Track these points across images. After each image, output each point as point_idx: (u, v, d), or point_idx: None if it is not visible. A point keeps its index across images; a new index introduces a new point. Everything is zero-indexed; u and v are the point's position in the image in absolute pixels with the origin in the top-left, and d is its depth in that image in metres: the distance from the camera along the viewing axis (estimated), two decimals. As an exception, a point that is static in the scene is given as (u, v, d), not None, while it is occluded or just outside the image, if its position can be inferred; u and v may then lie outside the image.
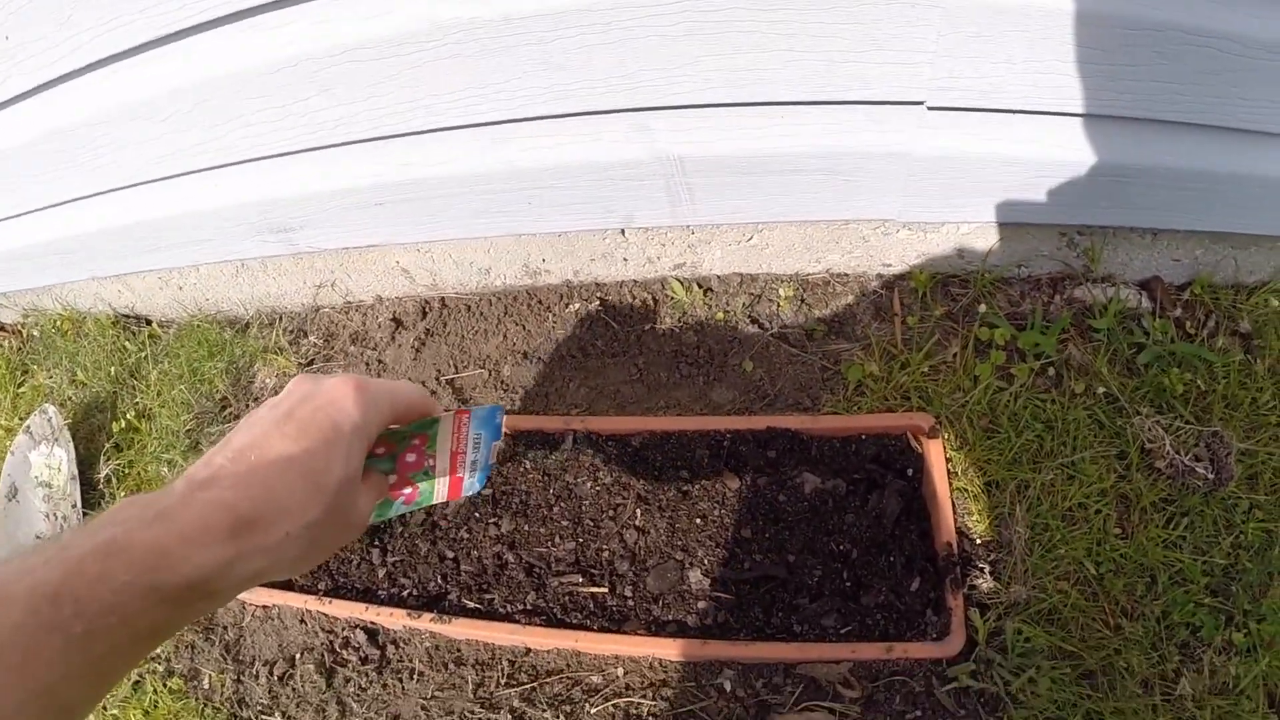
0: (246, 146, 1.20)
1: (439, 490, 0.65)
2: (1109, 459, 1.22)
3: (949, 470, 1.16)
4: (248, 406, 1.44)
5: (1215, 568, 1.23)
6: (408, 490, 0.63)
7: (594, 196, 1.16)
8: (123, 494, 1.47)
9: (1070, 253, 1.29)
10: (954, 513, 1.14)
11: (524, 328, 1.32)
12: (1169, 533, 1.21)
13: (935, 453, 1.15)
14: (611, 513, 1.20)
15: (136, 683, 1.41)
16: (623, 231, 1.23)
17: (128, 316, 1.60)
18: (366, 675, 1.25)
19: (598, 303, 1.30)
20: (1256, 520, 1.25)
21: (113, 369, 1.56)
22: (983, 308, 1.24)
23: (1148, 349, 1.29)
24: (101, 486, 1.50)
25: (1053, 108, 1.06)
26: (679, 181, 1.12)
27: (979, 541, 1.16)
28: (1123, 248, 1.30)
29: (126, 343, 1.57)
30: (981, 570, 1.13)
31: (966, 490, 1.17)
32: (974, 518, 1.16)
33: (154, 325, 1.57)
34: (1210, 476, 1.23)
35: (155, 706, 1.38)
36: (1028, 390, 1.22)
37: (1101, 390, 1.24)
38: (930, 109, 1.04)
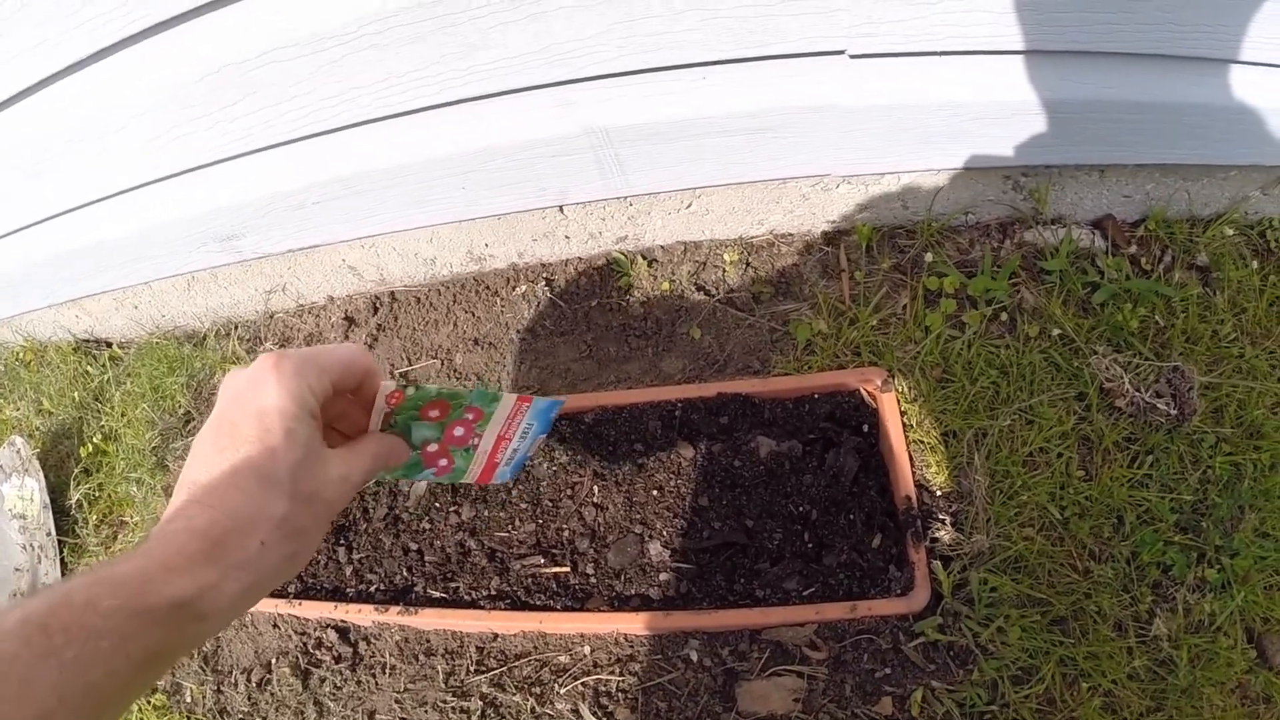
0: (183, 157, 1.19)
1: (472, 472, 0.64)
2: (1068, 401, 1.20)
3: (904, 423, 1.14)
4: (210, 416, 1.43)
5: (1183, 504, 1.20)
6: (443, 462, 0.62)
7: (526, 176, 1.15)
8: (94, 517, 1.47)
9: (1017, 196, 1.26)
10: (912, 466, 1.13)
11: (473, 314, 1.31)
12: (1134, 472, 1.19)
13: (889, 407, 1.13)
14: (569, 491, 1.18)
15: None
16: (560, 209, 1.21)
17: (88, 341, 1.59)
18: (341, 674, 1.25)
19: (544, 283, 1.29)
20: (1223, 454, 1.23)
21: (77, 394, 1.56)
22: (929, 257, 1.22)
23: (1103, 288, 1.27)
24: (74, 512, 1.50)
25: (981, 46, 1.04)
26: (607, 153, 1.10)
27: (939, 493, 1.14)
28: (1070, 187, 1.28)
29: (88, 367, 1.56)
30: (943, 522, 1.11)
31: (923, 442, 1.15)
32: (932, 469, 1.14)
33: (114, 347, 1.57)
34: (1172, 412, 1.20)
35: (141, 724, 1.37)
36: (981, 337, 1.20)
37: (1056, 332, 1.22)
38: (853, 57, 1.02)
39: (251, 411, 0.47)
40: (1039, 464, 1.16)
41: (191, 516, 0.45)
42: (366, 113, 1.10)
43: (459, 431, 0.59)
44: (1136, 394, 1.20)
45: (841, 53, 1.02)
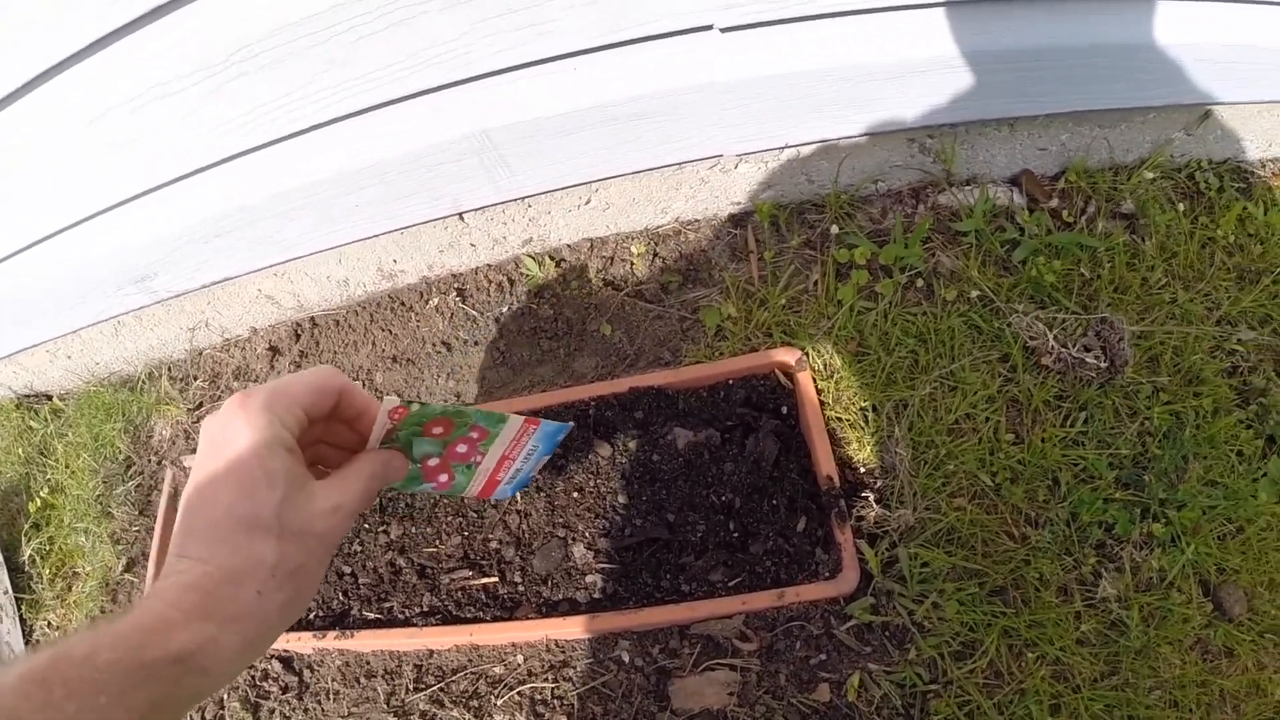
0: (87, 201, 1.18)
1: (472, 488, 0.63)
2: (991, 364, 1.16)
3: (822, 401, 1.11)
4: (150, 462, 1.43)
5: (1123, 459, 1.16)
6: (443, 478, 0.61)
7: (417, 186, 1.13)
8: (48, 571, 1.47)
9: (925, 159, 1.23)
10: (833, 444, 1.09)
11: (390, 332, 1.29)
12: (1067, 430, 1.15)
13: (805, 386, 1.10)
14: (492, 500, 1.16)
15: None
16: (460, 217, 1.19)
17: (29, 396, 1.59)
18: (288, 703, 1.23)
19: (455, 294, 1.27)
20: (1161, 404, 1.19)
21: (21, 450, 1.56)
22: (835, 229, 1.19)
23: (1023, 244, 1.23)
24: (28, 568, 1.49)
25: (858, 5, 1.01)
26: (491, 155, 1.08)
27: (863, 470, 1.11)
28: (981, 145, 1.24)
29: (31, 422, 1.56)
30: (867, 499, 1.07)
31: (844, 419, 1.12)
32: (854, 446, 1.11)
33: (55, 399, 1.57)
34: (1103, 365, 1.16)
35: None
36: (896, 306, 1.16)
37: (975, 294, 1.18)
38: (723, 31, 1.00)
39: (226, 456, 0.46)
40: (965, 431, 1.13)
41: (183, 571, 0.45)
42: (248, 141, 1.09)
43: (462, 449, 0.59)
44: (1063, 350, 1.16)
45: (710, 27, 0.99)
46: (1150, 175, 1.27)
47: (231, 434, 0.46)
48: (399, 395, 0.54)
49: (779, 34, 1.01)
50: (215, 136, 1.08)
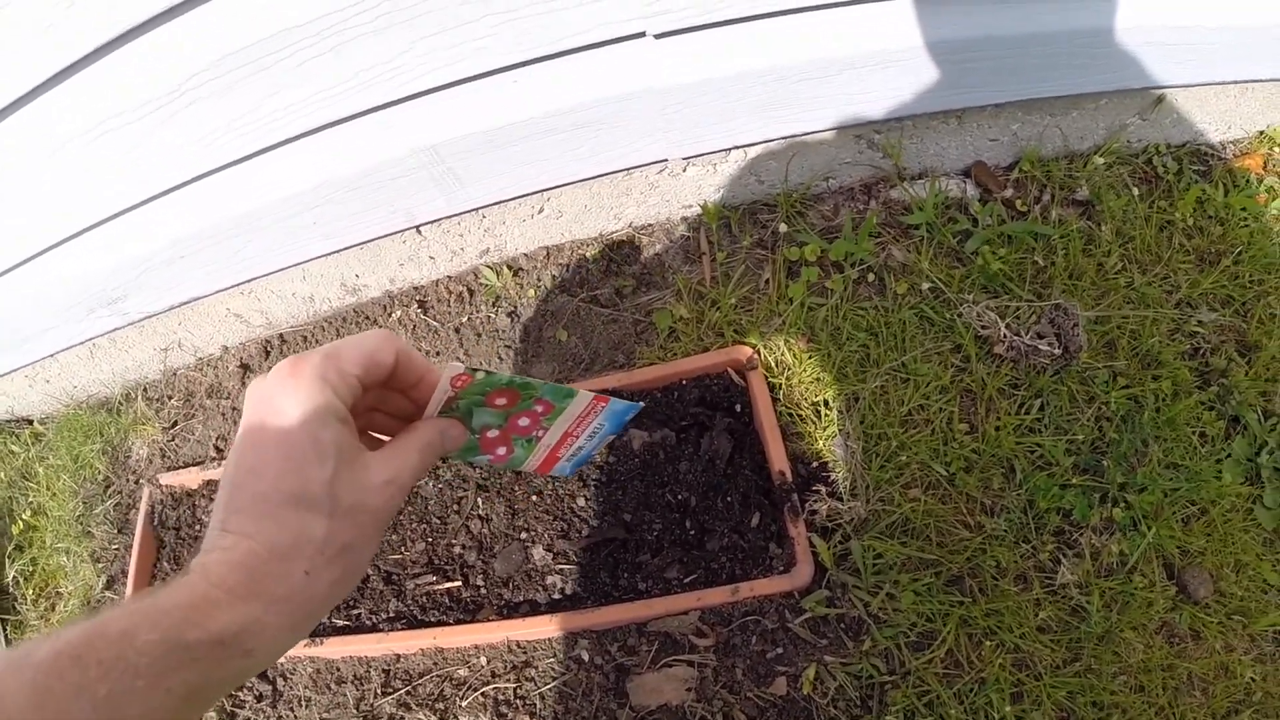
0: (52, 229, 1.23)
1: (530, 462, 0.61)
2: (944, 355, 1.17)
3: (774, 398, 1.13)
4: (128, 482, 1.46)
5: (1080, 445, 1.16)
6: (501, 450, 0.59)
7: (371, 202, 1.16)
8: (31, 592, 1.51)
9: (875, 154, 1.24)
10: (785, 440, 1.11)
11: (355, 345, 1.32)
12: (1022, 418, 1.16)
13: (757, 384, 1.12)
14: (455, 506, 1.19)
15: None
16: (418, 230, 1.22)
17: (10, 420, 1.64)
18: (263, 711, 1.26)
19: (417, 306, 1.30)
20: (1119, 388, 1.19)
21: (3, 474, 1.61)
22: (784, 227, 1.20)
23: (975, 235, 1.24)
24: (12, 589, 1.54)
25: (788, 5, 1.02)
26: (441, 169, 1.11)
27: (815, 464, 1.12)
28: (930, 138, 1.25)
29: (14, 446, 1.61)
30: (819, 493, 1.09)
31: (796, 414, 1.13)
32: (806, 441, 1.12)
33: (35, 424, 1.61)
34: (1056, 351, 1.17)
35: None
36: (847, 302, 1.18)
37: (926, 286, 1.19)
38: (656, 37, 1.02)
39: (274, 427, 0.43)
40: (918, 422, 1.14)
41: (228, 548, 0.42)
42: (205, 165, 1.12)
43: (524, 422, 0.56)
44: (1016, 338, 1.16)
45: (644, 34, 1.01)
46: (1103, 161, 1.27)
47: (281, 403, 0.43)
48: (463, 362, 0.50)
49: (710, 37, 1.03)
50: (171, 162, 1.11)
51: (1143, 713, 1.07)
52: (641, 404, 0.68)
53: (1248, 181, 1.37)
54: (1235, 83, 1.31)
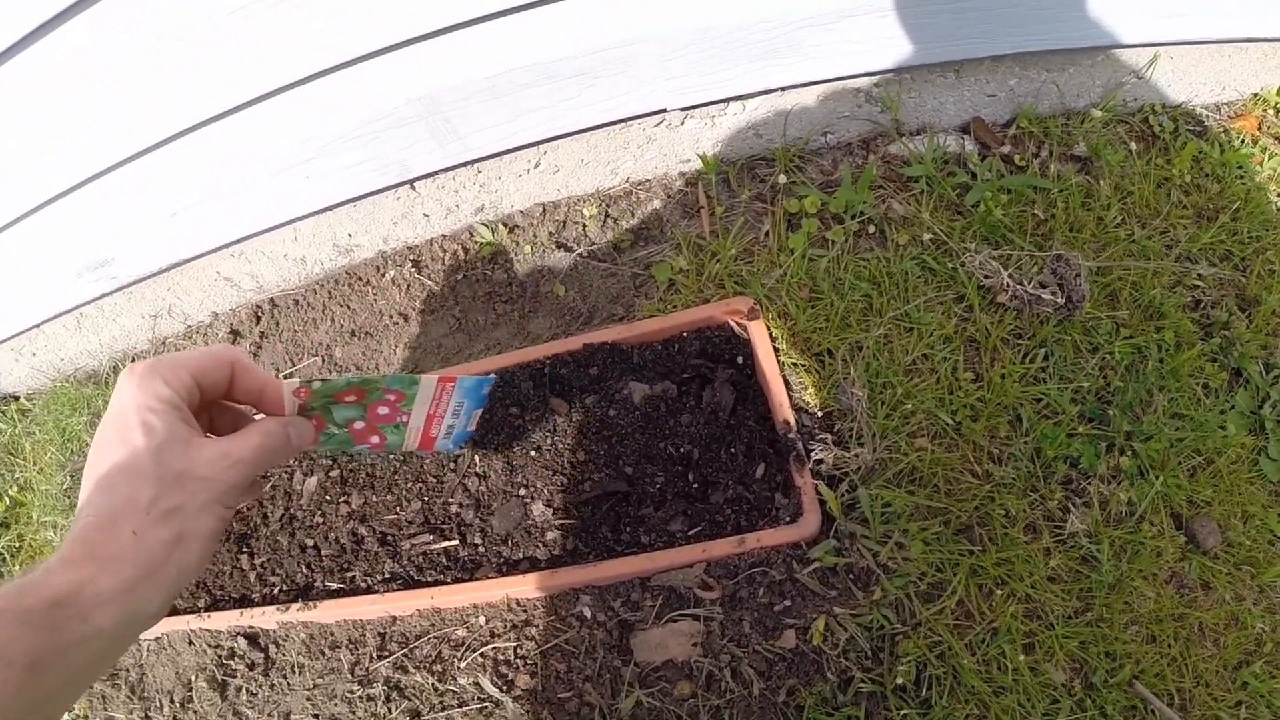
0: (47, 183, 1.18)
1: (408, 443, 0.64)
2: (947, 304, 1.14)
3: (776, 348, 1.10)
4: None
5: (1085, 394, 1.14)
6: (374, 439, 0.63)
7: (365, 155, 1.12)
8: (18, 569, 1.45)
9: (873, 109, 1.22)
10: (788, 390, 1.07)
11: (348, 307, 1.28)
12: (1027, 367, 1.13)
13: (759, 334, 1.08)
14: (452, 465, 1.14)
15: None
16: (411, 185, 1.19)
17: (-6, 398, 1.59)
18: (255, 680, 1.20)
19: (411, 265, 1.26)
20: (1123, 338, 1.17)
21: (-12, 451, 1.55)
22: (783, 178, 1.18)
23: (975, 188, 1.22)
24: (-2, 567, 1.48)
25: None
26: (438, 119, 1.08)
27: (819, 414, 1.09)
28: (929, 92, 1.23)
29: (0, 424, 1.56)
30: (825, 442, 1.05)
31: (799, 364, 1.10)
32: (810, 390, 1.09)
33: (21, 400, 1.56)
34: (1060, 301, 1.15)
35: (78, 766, 1.34)
36: (848, 252, 1.15)
37: (928, 237, 1.17)
38: (655, -19, 0.99)
39: (112, 417, 0.48)
40: (923, 371, 1.11)
41: (72, 529, 0.46)
42: (196, 117, 1.09)
43: (383, 410, 0.60)
44: (1019, 287, 1.14)
45: (643, -23, 0.99)
46: (1100, 114, 1.26)
47: (119, 396, 0.48)
48: (301, 378, 0.56)
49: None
50: (166, 111, 1.08)
51: (1155, 663, 1.04)
52: (493, 376, 0.73)
53: (1243, 142, 1.36)
54: (1229, 41, 1.30)
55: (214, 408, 0.56)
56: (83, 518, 0.45)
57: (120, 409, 0.48)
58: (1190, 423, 1.14)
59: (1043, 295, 1.14)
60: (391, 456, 1.17)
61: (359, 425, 0.60)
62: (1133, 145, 1.28)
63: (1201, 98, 1.38)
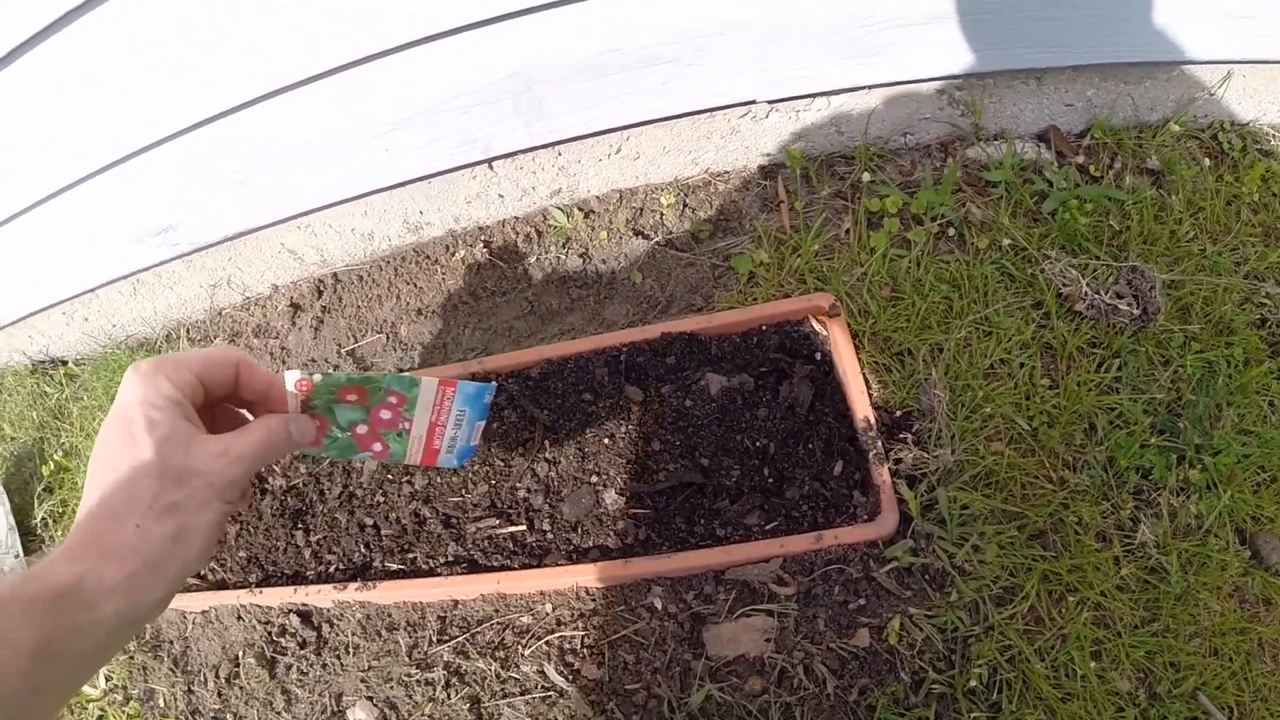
0: (112, 147, 1.15)
1: (411, 455, 0.63)
2: (1025, 310, 1.13)
3: (856, 345, 1.08)
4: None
5: (1157, 405, 1.13)
6: (377, 446, 0.61)
7: (448, 131, 1.10)
8: (60, 534, 1.42)
9: (954, 111, 1.21)
10: (868, 387, 1.06)
11: (415, 285, 1.25)
12: (1101, 376, 1.12)
13: (839, 331, 1.07)
14: (520, 449, 1.12)
15: (101, 717, 1.34)
16: (490, 165, 1.16)
17: (44, 362, 1.55)
18: (306, 659, 1.18)
19: (482, 246, 1.23)
20: (1194, 352, 1.16)
21: (36, 415, 1.51)
22: (867, 176, 1.16)
23: (1052, 196, 1.20)
24: (39, 531, 1.44)
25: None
26: (528, 97, 1.06)
27: (899, 413, 1.07)
28: (1009, 99, 1.22)
29: (46, 388, 1.52)
30: (905, 441, 1.04)
31: (878, 363, 1.09)
32: (890, 389, 1.07)
33: (70, 365, 1.52)
34: (1136, 312, 1.14)
35: (115, 736, 1.30)
36: (928, 254, 1.13)
37: (1007, 242, 1.15)
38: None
39: (117, 413, 0.49)
40: (1000, 375, 1.09)
41: (76, 522, 0.47)
42: (273, 83, 1.05)
43: (385, 415, 0.59)
44: (1096, 296, 1.13)
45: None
46: (1177, 128, 1.25)
47: (124, 393, 0.49)
48: (302, 369, 0.56)
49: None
50: (243, 75, 1.05)
51: (1216, 676, 1.03)
52: (494, 383, 0.71)
53: (1308, 162, 1.35)
54: (1301, 62, 1.30)
55: (217, 409, 0.56)
56: (86, 511, 0.46)
57: (125, 405, 0.48)
58: (1256, 439, 1.13)
59: (1119, 305, 1.13)
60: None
61: (362, 430, 0.59)
62: (1206, 161, 1.27)
63: (1270, 117, 1.37)
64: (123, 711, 1.31)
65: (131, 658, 1.33)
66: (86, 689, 1.35)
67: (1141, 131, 1.31)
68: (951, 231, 1.16)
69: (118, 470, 0.47)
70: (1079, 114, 1.27)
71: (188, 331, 1.42)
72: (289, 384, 0.54)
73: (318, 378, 0.54)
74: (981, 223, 1.16)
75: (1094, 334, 1.14)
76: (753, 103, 1.12)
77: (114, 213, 1.23)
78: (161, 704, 1.28)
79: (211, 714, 1.23)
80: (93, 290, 1.38)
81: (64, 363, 1.54)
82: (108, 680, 1.34)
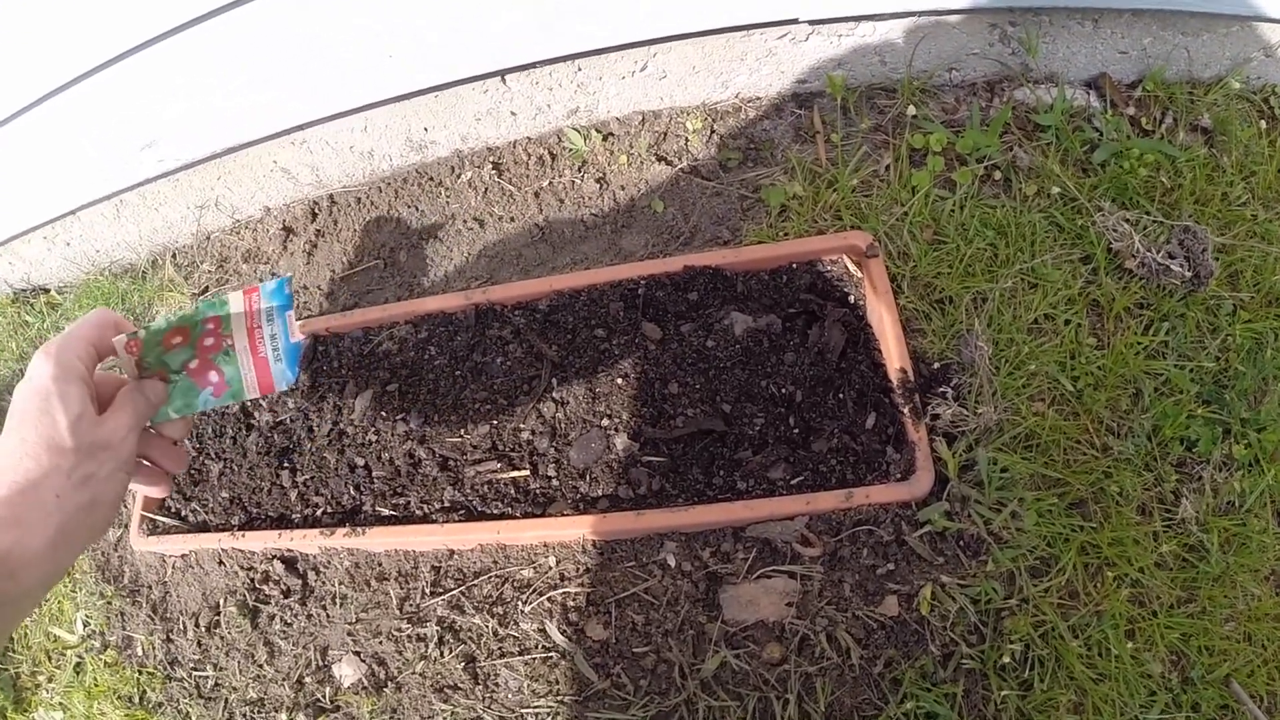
0: (95, 49, 0.96)
1: (248, 380, 0.60)
2: (1073, 263, 0.98)
3: (894, 290, 0.92)
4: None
5: (1204, 375, 0.99)
6: (214, 376, 0.59)
7: (455, 28, 0.92)
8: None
9: (1004, 49, 1.04)
10: (905, 336, 0.91)
11: (416, 208, 1.08)
12: (1149, 339, 0.98)
13: (877, 273, 0.91)
14: (526, 387, 0.96)
15: (78, 665, 1.18)
16: (502, 78, 0.99)
17: (24, 290, 1.37)
18: (290, 609, 1.02)
19: (491, 167, 1.06)
20: (1243, 321, 1.02)
21: (16, 346, 1.34)
22: (911, 110, 1.00)
23: (1103, 146, 1.05)
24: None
25: None
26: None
27: (937, 365, 0.92)
28: (1062, 39, 1.06)
29: (28, 317, 1.34)
30: (944, 396, 0.89)
31: (917, 310, 0.94)
32: (929, 339, 0.92)
33: (51, 293, 1.35)
34: (1187, 274, 0.99)
35: (95, 684, 1.14)
36: (973, 197, 0.98)
37: (1056, 190, 1.00)
38: None
39: (31, 390, 0.49)
40: (1046, 330, 0.95)
41: None
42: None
43: (209, 341, 0.58)
44: (1148, 254, 0.98)
45: None
46: (1236, 84, 1.09)
47: (36, 373, 0.49)
48: (125, 332, 0.52)
49: None
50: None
51: (1249, 663, 0.91)
52: (289, 275, 0.72)
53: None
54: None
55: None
56: (8, 483, 0.46)
57: (40, 383, 0.48)
58: (1302, 415, 0.99)
59: (1171, 266, 0.98)
60: (456, 372, 0.98)
61: (194, 364, 0.58)
62: (1262, 124, 1.11)
63: (1322, 84, 1.21)
64: (100, 659, 1.15)
65: (109, 602, 1.17)
66: (64, 635, 1.20)
67: (1194, 88, 1.15)
68: (998, 175, 1.00)
69: (37, 447, 0.47)
70: (1132, 63, 1.11)
71: (174, 257, 1.24)
72: (118, 348, 0.53)
73: (141, 333, 0.53)
74: (1030, 169, 1.01)
75: (1143, 294, 0.99)
76: (794, 22, 0.95)
77: (94, 125, 1.04)
78: (140, 652, 1.13)
79: (191, 664, 1.08)
80: (74, 212, 1.19)
81: (45, 290, 1.36)
82: (85, 626, 1.18)
